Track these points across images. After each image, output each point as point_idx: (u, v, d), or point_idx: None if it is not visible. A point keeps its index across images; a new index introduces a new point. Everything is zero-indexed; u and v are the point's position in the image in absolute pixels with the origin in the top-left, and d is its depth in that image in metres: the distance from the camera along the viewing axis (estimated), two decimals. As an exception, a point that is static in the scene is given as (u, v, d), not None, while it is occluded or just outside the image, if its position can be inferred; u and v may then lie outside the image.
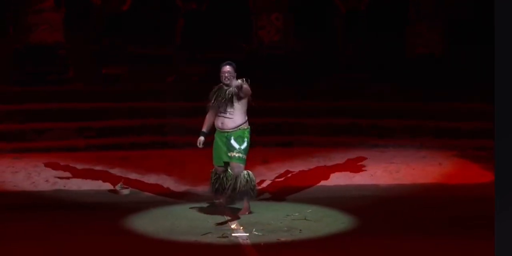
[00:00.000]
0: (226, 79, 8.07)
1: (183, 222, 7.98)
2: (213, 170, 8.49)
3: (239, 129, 8.14)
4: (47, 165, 10.77)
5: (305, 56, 14.30)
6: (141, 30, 15.38)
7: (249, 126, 8.22)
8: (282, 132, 12.80)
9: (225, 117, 8.12)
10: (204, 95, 12.97)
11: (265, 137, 12.07)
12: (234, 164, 8.16)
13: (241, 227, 7.68)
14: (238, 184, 8.13)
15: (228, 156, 8.16)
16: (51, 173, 10.39)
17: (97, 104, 12.98)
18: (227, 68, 8.10)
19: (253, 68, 13.73)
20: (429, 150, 11.98)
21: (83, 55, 14.00)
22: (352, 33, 14.41)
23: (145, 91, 13.55)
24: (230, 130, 8.13)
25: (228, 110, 8.06)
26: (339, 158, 11.39)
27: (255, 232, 7.53)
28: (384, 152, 11.95)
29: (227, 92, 8.04)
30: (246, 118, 8.19)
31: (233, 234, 7.47)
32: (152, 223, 7.96)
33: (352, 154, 11.60)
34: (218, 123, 8.17)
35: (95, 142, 12.30)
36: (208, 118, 8.30)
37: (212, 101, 8.12)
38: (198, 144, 8.32)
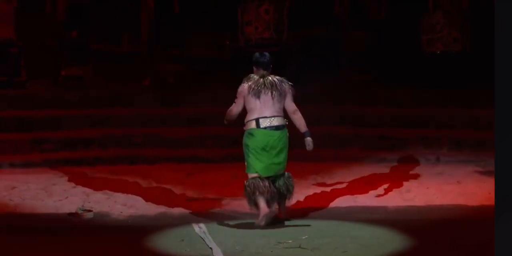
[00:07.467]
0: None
1: (156, 250, 7.95)
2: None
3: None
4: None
5: (301, 54, 14.34)
6: (107, 24, 15.47)
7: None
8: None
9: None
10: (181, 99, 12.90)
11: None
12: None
13: (224, 258, 7.62)
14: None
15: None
16: (-1, 193, 10.35)
17: (55, 112, 13.01)
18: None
19: (241, 69, 13.76)
20: (447, 165, 12.09)
21: (38, 54, 14.03)
22: (359, 27, 14.46)
23: (113, 95, 13.62)
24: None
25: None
26: (339, 175, 11.44)
27: (239, 264, 7.53)
28: (394, 167, 12.04)
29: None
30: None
31: (212, 266, 7.43)
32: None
33: (355, 170, 11.67)
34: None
35: (54, 156, 12.33)
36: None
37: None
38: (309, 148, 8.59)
